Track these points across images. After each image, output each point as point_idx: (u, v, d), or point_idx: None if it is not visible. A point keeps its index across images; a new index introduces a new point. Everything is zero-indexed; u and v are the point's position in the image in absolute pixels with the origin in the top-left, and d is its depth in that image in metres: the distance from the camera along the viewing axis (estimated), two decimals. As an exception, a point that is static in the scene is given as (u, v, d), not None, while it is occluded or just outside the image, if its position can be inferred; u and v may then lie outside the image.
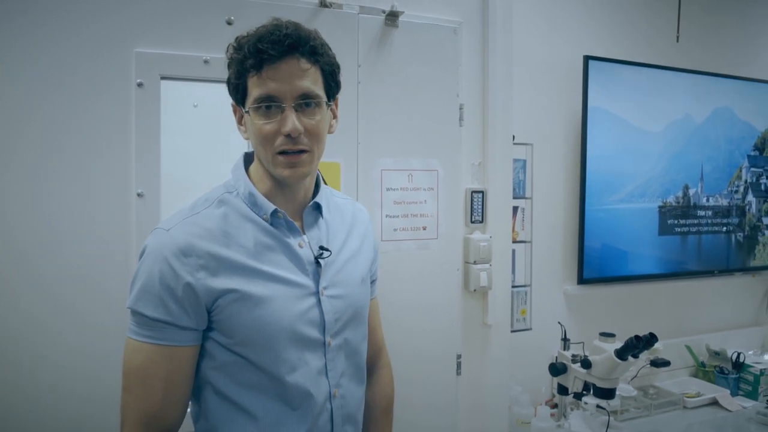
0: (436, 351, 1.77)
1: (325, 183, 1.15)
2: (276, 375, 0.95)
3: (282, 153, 0.94)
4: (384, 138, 1.68)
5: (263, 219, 0.99)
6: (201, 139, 1.65)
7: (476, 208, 1.81)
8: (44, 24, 1.36)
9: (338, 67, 1.03)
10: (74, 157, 1.40)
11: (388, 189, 1.69)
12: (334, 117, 1.06)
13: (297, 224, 1.02)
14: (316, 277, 1.01)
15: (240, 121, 1.01)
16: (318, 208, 1.06)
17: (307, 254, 1.01)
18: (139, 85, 1.44)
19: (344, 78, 1.62)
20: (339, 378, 1.03)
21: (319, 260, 1.01)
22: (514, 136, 1.91)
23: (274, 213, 0.99)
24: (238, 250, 0.95)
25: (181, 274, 0.91)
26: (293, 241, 1.01)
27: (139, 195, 1.44)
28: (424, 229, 1.74)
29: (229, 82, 0.98)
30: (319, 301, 1.00)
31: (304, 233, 1.03)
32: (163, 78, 1.47)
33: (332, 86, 1.01)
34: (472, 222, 1.81)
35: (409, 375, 1.72)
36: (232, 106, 1.02)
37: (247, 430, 0.96)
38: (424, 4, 1.75)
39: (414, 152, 1.73)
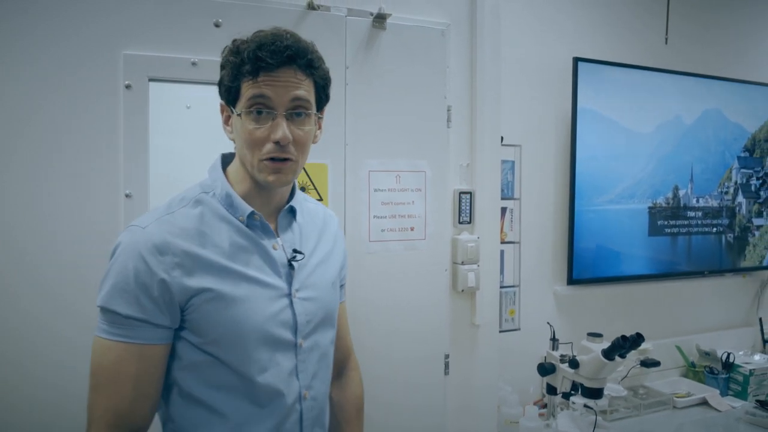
0: (424, 351, 1.78)
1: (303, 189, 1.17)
2: (247, 375, 0.96)
3: (268, 159, 0.96)
4: (372, 139, 1.70)
5: (239, 220, 1.00)
6: (194, 140, 1.66)
7: (464, 209, 1.82)
8: (33, 27, 1.38)
9: (330, 80, 1.05)
10: (65, 158, 1.41)
11: (375, 190, 1.70)
12: (320, 128, 1.07)
13: (271, 226, 1.04)
14: (289, 279, 1.02)
15: (227, 121, 1.03)
16: (292, 212, 1.08)
17: (280, 256, 1.03)
18: (128, 87, 1.45)
19: (332, 79, 1.65)
20: (310, 380, 1.04)
21: (293, 263, 1.03)
22: (502, 138, 1.93)
23: (251, 215, 1.00)
24: (213, 250, 0.96)
25: (156, 271, 0.91)
26: (268, 243, 1.02)
27: (127, 195, 1.46)
28: (412, 229, 1.75)
29: (221, 83, 1.00)
30: (291, 303, 1.02)
31: (279, 236, 1.05)
32: (151, 80, 1.48)
33: (323, 99, 1.04)
34: (460, 223, 1.82)
35: (397, 375, 1.73)
36: (221, 105, 1.03)
37: (216, 430, 0.96)
38: (412, 6, 1.77)
39: (402, 153, 1.74)
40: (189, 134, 1.64)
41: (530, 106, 2.23)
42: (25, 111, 1.38)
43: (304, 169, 1.61)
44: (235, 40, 0.98)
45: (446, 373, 1.81)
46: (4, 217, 1.37)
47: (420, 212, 1.76)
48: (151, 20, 1.48)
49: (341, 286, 1.22)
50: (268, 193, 1.03)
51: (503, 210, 2.07)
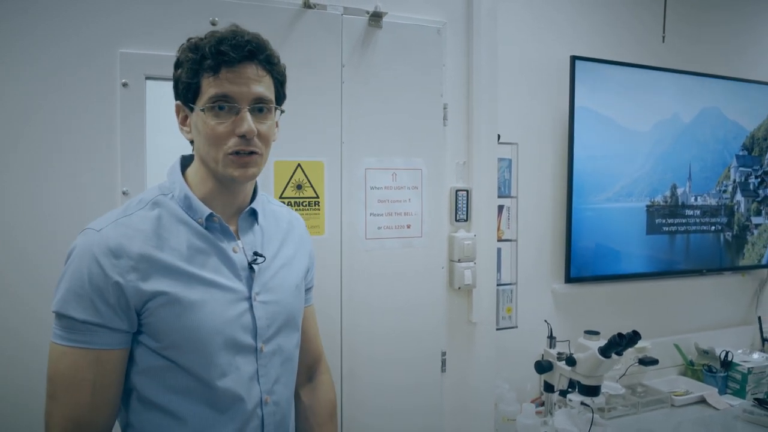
0: (420, 349, 1.78)
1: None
2: (206, 379, 0.94)
3: (234, 153, 0.95)
4: (368, 137, 1.70)
5: (198, 222, 0.98)
6: (183, 138, 1.66)
7: (461, 207, 1.82)
8: (32, 27, 1.39)
9: (286, 78, 1.05)
10: (63, 156, 1.42)
11: (372, 188, 1.70)
12: (276, 127, 1.06)
13: (232, 229, 1.02)
14: (250, 282, 1.01)
15: (183, 121, 1.01)
16: (254, 213, 1.06)
17: (240, 259, 1.01)
18: (124, 85, 1.46)
19: (328, 78, 1.66)
20: (272, 384, 1.03)
21: (253, 266, 1.01)
22: (499, 136, 1.93)
23: (209, 217, 0.99)
24: (170, 253, 0.94)
25: (110, 274, 0.89)
26: (227, 246, 1.00)
27: (124, 193, 1.46)
28: (409, 227, 1.76)
29: (178, 81, 0.98)
30: (251, 306, 1.00)
31: (239, 238, 1.03)
32: (148, 78, 1.49)
33: (281, 96, 1.04)
34: (456, 220, 1.83)
35: (394, 373, 1.74)
36: (176, 106, 1.01)
37: None
38: (408, 4, 1.77)
39: (398, 151, 1.74)
40: (178, 134, 1.64)
41: (527, 104, 2.24)
42: (23, 110, 1.39)
43: (301, 166, 1.62)
44: (191, 38, 0.97)
45: (443, 370, 1.81)
46: (4, 216, 1.37)
47: (416, 210, 1.76)
48: (148, 19, 1.48)
49: (308, 289, 1.21)
50: (229, 194, 1.02)
51: (500, 208, 2.08)
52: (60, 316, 0.90)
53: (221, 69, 0.93)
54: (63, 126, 1.42)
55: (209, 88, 0.94)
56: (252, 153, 0.96)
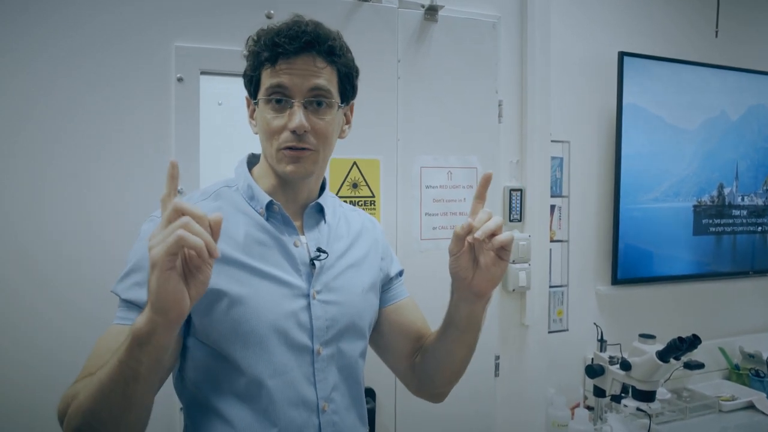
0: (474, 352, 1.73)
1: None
2: (257, 376, 0.89)
3: (286, 148, 0.91)
4: (423, 134, 1.65)
5: (259, 213, 0.95)
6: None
7: (515, 207, 1.78)
8: (86, 20, 1.35)
9: (357, 71, 0.99)
10: (115, 153, 1.39)
11: (427, 186, 1.66)
12: (348, 122, 1.02)
13: (296, 224, 0.99)
14: (310, 278, 0.96)
15: (252, 114, 0.99)
16: (321, 210, 1.02)
17: (301, 254, 0.96)
18: (179, 80, 1.42)
19: (384, 73, 1.61)
20: (330, 391, 0.96)
21: (315, 261, 0.96)
22: (551, 134, 1.88)
23: (269, 206, 0.95)
24: (227, 242, 0.90)
25: None
26: (288, 239, 0.96)
27: (179, 192, 1.42)
28: (463, 227, 1.71)
29: (245, 74, 0.97)
30: (309, 304, 0.94)
31: (303, 233, 0.99)
32: (202, 73, 1.45)
33: (348, 89, 0.98)
34: (510, 221, 1.78)
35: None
36: (246, 99, 0.99)
37: None
38: (463, -2, 1.73)
39: (453, 149, 1.70)
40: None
41: (576, 101, 2.18)
42: (76, 105, 1.35)
43: (356, 164, 1.57)
44: (258, 30, 0.95)
45: (496, 375, 1.77)
46: (55, 216, 1.34)
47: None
48: (203, 12, 1.45)
49: (391, 279, 1.13)
50: (292, 189, 0.98)
51: (551, 207, 2.02)
52: (123, 301, 0.87)
53: (278, 60, 0.90)
54: (116, 122, 1.39)
55: (266, 80, 0.92)
56: (304, 149, 0.92)
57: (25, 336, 1.34)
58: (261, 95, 0.92)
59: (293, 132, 0.90)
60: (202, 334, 0.90)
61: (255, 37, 0.94)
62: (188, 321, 0.90)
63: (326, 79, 0.92)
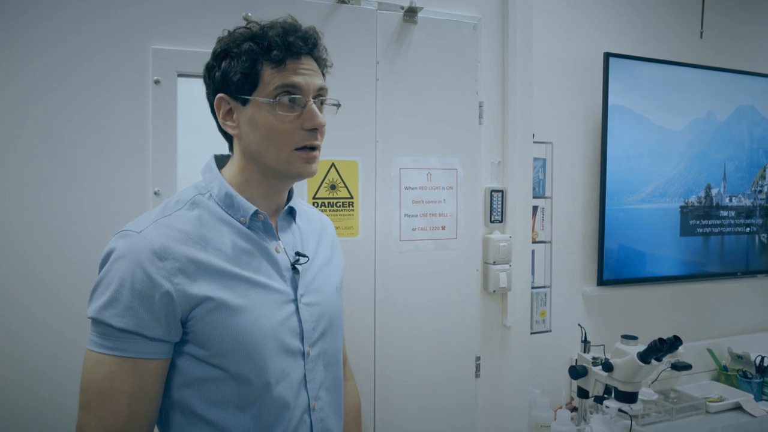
0: (454, 353, 1.74)
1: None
2: (257, 387, 0.89)
3: (301, 148, 0.91)
4: (402, 136, 1.66)
5: (240, 222, 0.94)
6: (213, 138, 1.63)
7: (495, 208, 1.77)
8: (58, 20, 1.35)
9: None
10: (92, 155, 1.39)
11: (406, 188, 1.66)
12: None
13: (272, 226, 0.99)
14: (294, 283, 0.96)
15: (227, 116, 0.94)
16: (292, 213, 1.03)
17: (283, 260, 0.97)
18: (156, 82, 1.43)
19: (362, 75, 1.62)
20: (318, 390, 0.98)
21: (296, 266, 0.97)
22: (533, 135, 1.88)
23: (254, 215, 0.94)
24: (215, 254, 0.89)
25: (157, 280, 0.83)
26: (270, 246, 0.96)
27: (156, 193, 1.43)
28: (443, 228, 1.71)
29: (228, 72, 0.90)
30: (297, 309, 0.95)
31: (278, 238, 0.99)
32: (180, 75, 1.45)
33: None
34: (491, 222, 1.78)
35: (428, 377, 1.69)
36: (218, 99, 0.93)
37: None
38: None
39: (433, 151, 1.70)
40: (207, 132, 1.60)
41: (560, 102, 2.18)
42: (53, 108, 1.36)
43: (335, 166, 1.58)
44: (237, 29, 0.93)
45: (477, 375, 1.77)
46: (43, 217, 1.35)
47: (451, 211, 1.72)
48: (180, 14, 1.45)
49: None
50: (275, 193, 0.98)
51: (534, 208, 2.02)
52: (97, 322, 0.84)
53: (286, 60, 0.90)
54: (93, 124, 1.39)
55: (273, 79, 0.89)
56: (314, 148, 0.93)
57: (23, 336, 1.34)
58: (263, 95, 0.89)
59: (311, 130, 0.90)
60: (199, 347, 0.88)
61: (249, 35, 0.90)
62: (184, 336, 0.88)
63: (323, 80, 0.95)
